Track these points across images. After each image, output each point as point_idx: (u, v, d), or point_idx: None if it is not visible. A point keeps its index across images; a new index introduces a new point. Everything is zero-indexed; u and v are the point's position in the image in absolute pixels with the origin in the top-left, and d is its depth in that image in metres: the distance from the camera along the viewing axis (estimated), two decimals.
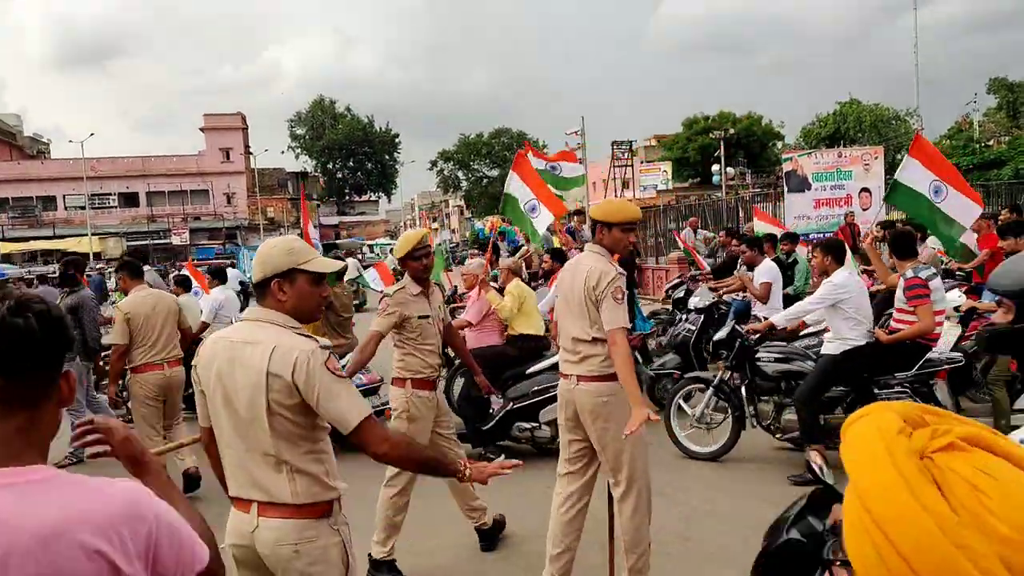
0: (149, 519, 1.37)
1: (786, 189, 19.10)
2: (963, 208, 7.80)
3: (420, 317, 4.84)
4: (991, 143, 35.81)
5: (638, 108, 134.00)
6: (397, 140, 68.72)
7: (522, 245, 17.82)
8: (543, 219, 9.24)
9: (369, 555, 4.72)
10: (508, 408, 6.95)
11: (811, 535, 2.21)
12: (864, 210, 17.53)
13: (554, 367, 6.34)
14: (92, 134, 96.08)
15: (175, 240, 52.39)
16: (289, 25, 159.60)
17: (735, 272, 10.40)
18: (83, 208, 51.66)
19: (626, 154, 44.67)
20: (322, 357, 2.47)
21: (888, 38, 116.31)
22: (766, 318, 7.02)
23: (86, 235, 46.53)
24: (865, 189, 18.21)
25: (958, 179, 7.90)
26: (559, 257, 9.44)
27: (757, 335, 6.63)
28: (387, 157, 68.24)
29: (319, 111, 67.91)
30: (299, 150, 67.84)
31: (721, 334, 7.09)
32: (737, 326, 6.96)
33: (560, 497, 4.31)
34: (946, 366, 6.08)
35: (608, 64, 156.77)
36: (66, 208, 54.84)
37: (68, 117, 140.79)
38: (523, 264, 9.80)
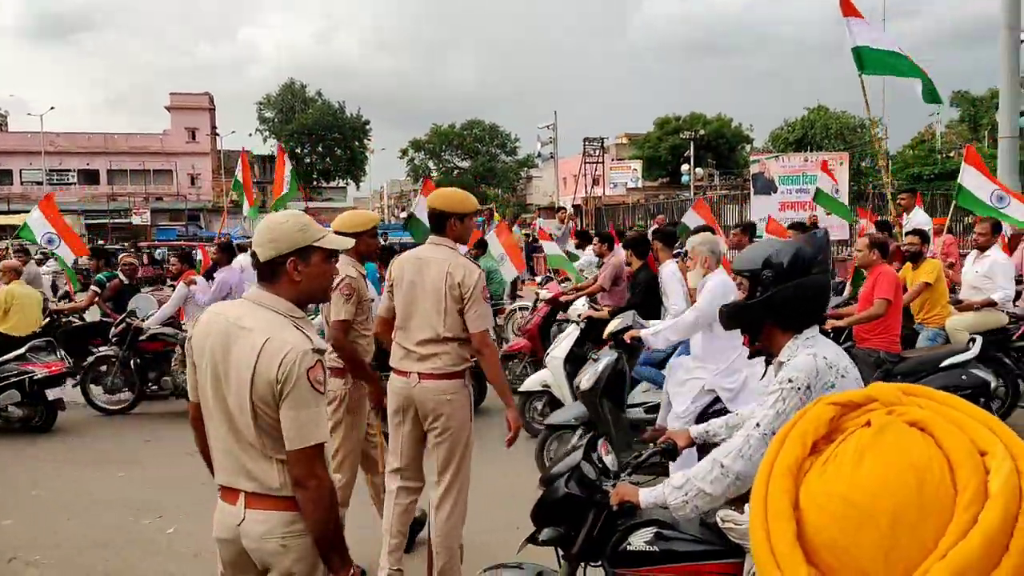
0: None
1: (753, 191, 19.24)
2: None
3: (371, 300, 4.63)
4: (952, 154, 36.38)
5: (611, 106, 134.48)
6: (368, 127, 68.09)
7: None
8: (64, 250, 11.38)
9: None
10: None
11: (585, 485, 2.71)
12: (828, 214, 17.65)
13: None
14: (52, 107, 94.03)
15: (135, 220, 51.44)
16: (265, 6, 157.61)
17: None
18: (40, 183, 50.46)
19: (597, 151, 44.74)
20: (309, 361, 2.32)
21: None
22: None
23: None
24: None
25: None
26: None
27: None
28: (357, 144, 67.48)
29: (289, 95, 66.95)
30: (267, 133, 66.91)
31: None
32: None
33: (395, 493, 4.22)
34: None
35: (583, 61, 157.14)
36: (22, 183, 53.51)
37: (32, 91, 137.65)
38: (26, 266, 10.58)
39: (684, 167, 43.71)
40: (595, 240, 9.94)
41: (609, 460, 2.85)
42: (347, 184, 71.54)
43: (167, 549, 5.12)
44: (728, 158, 52.90)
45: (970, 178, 8.84)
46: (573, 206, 32.18)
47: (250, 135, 74.75)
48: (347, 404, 4.57)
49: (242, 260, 9.47)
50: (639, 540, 2.68)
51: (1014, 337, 7.36)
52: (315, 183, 68.99)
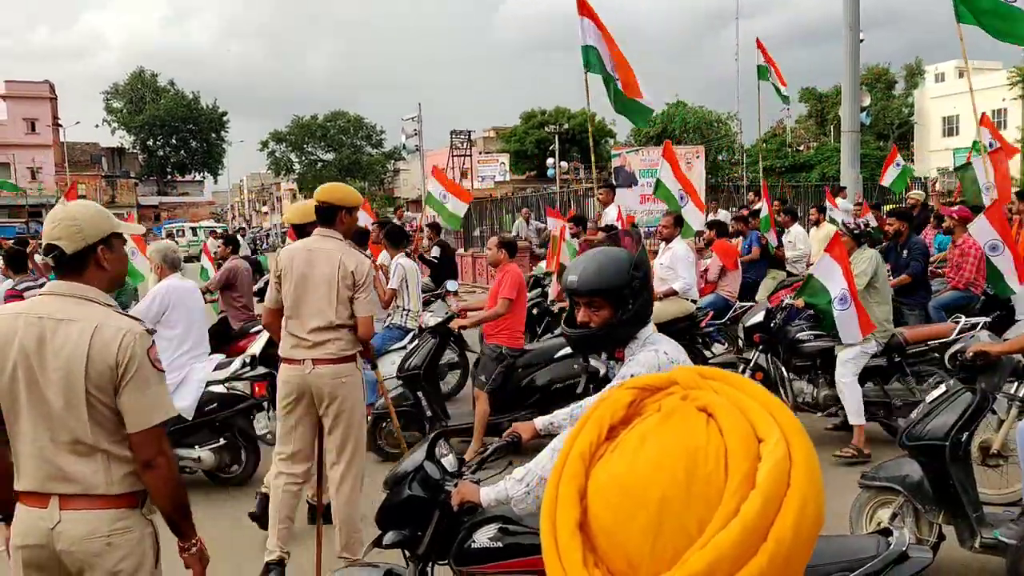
0: None
1: (615, 184, 19.59)
2: None
3: None
4: (801, 148, 38.54)
5: (478, 100, 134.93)
6: (225, 118, 65.50)
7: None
8: None
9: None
10: None
11: (429, 486, 2.71)
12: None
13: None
14: None
15: None
16: None
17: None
18: None
19: (465, 144, 44.68)
20: (147, 342, 2.38)
21: (715, 46, 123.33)
22: None
23: None
24: None
25: None
26: None
27: None
28: (214, 135, 64.83)
29: (139, 84, 63.47)
30: (116, 125, 63.19)
31: None
32: None
33: (286, 477, 4.33)
34: None
35: (449, 55, 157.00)
36: None
37: None
38: None
39: (550, 161, 44.28)
40: (219, 242, 9.86)
41: (447, 460, 2.82)
42: (204, 177, 68.78)
43: None
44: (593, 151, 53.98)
45: (666, 173, 9.42)
46: None
47: (97, 126, 70.67)
48: None
49: None
50: (483, 537, 2.68)
51: (701, 324, 7.82)
52: (169, 176, 65.83)
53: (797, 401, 6.39)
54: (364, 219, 10.40)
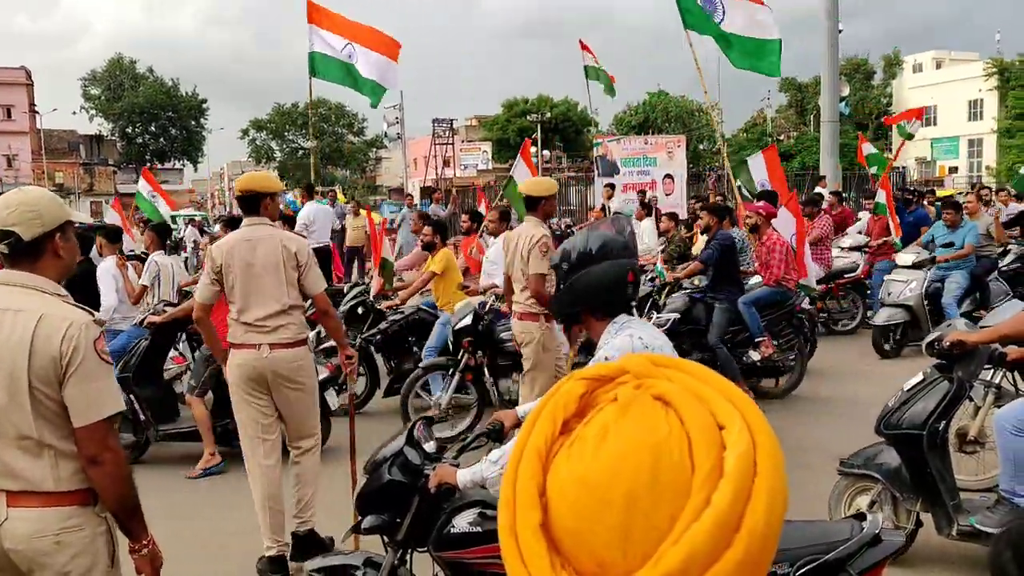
0: None
1: (597, 173, 19.61)
2: None
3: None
4: (782, 137, 38.70)
5: (460, 88, 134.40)
6: (205, 105, 64.90)
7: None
8: None
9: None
10: None
11: (409, 471, 2.75)
12: (667, 195, 18.23)
13: None
14: None
15: None
16: None
17: None
18: None
19: (447, 132, 44.54)
20: (94, 333, 2.29)
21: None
22: None
23: None
24: (668, 175, 18.96)
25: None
26: None
27: None
28: (193, 123, 64.22)
29: (118, 70, 62.72)
30: (94, 112, 62.47)
31: None
32: None
33: (269, 464, 4.34)
34: None
35: (430, 43, 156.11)
36: None
37: None
38: None
39: (532, 149, 44.22)
40: None
41: (428, 445, 2.85)
42: (184, 165, 68.17)
43: None
44: (575, 140, 53.91)
45: (521, 172, 9.24)
46: (422, 188, 31.91)
47: (74, 113, 69.62)
48: (543, 343, 5.33)
49: None
50: (463, 522, 2.69)
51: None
52: (149, 164, 65.19)
53: (503, 399, 6.63)
54: (84, 218, 10.07)
